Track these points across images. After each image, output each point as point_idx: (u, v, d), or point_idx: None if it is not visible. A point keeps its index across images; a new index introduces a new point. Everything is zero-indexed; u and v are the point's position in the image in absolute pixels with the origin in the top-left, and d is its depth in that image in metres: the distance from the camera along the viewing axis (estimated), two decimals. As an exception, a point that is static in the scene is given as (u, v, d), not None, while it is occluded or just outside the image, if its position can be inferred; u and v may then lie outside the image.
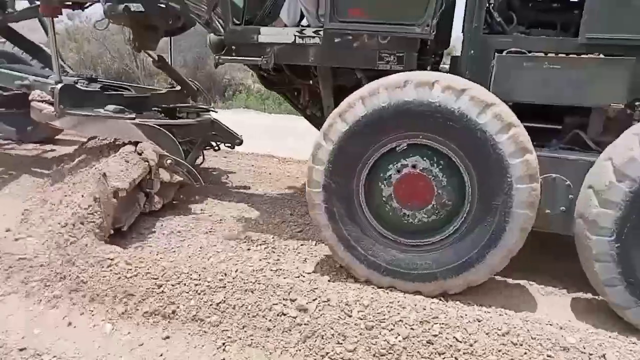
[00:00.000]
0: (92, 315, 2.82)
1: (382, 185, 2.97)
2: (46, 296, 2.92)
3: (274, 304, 2.74)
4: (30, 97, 4.51)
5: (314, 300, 2.76)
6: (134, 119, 4.20)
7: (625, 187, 2.48)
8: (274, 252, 3.57)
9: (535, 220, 2.73)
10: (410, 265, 2.94)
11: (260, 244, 3.69)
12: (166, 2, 4.09)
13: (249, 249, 3.61)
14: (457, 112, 2.66)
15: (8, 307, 2.85)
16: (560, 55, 2.85)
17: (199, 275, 2.94)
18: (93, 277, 2.97)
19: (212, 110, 5.31)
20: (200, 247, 3.59)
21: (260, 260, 3.40)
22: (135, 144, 4.01)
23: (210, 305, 2.77)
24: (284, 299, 2.77)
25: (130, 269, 3.00)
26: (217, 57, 3.68)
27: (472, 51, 3.07)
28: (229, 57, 3.64)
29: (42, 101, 4.41)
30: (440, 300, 2.91)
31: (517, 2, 3.24)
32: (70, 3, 4.58)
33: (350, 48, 3.23)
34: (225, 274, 2.94)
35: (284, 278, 3.03)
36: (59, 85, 4.26)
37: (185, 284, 2.88)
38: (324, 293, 2.80)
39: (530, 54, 2.89)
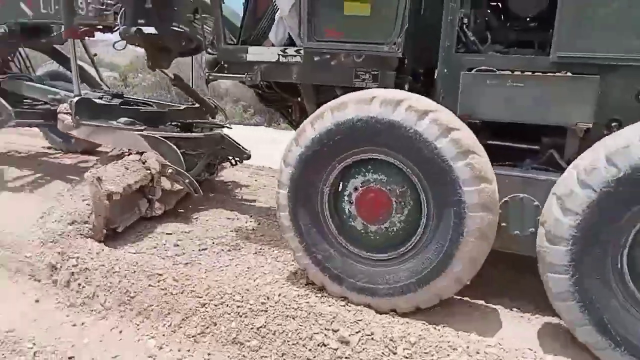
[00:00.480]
0: (138, 329, 2.86)
1: (344, 204, 3.03)
2: (96, 308, 3.00)
3: (314, 333, 2.64)
4: (57, 110, 4.88)
5: (357, 332, 2.62)
6: (142, 130, 4.47)
7: (586, 196, 2.35)
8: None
9: (504, 241, 2.71)
10: (381, 280, 2.90)
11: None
12: (176, 25, 4.33)
13: (295, 272, 3.54)
14: (397, 123, 2.66)
15: (61, 316, 2.96)
16: (525, 73, 2.78)
17: (242, 297, 2.90)
18: (141, 292, 3.03)
19: (227, 127, 5.52)
20: (248, 268, 3.56)
21: (307, 284, 3.31)
22: (141, 153, 4.24)
23: (251, 329, 2.71)
24: (325, 329, 2.66)
25: (177, 286, 3.02)
26: (207, 73, 3.93)
27: (446, 70, 3.04)
28: (219, 74, 3.89)
29: (66, 113, 4.75)
30: (498, 344, 2.67)
31: (494, 22, 3.23)
32: (88, 28, 4.89)
33: (329, 66, 3.37)
34: (268, 298, 2.88)
35: (329, 306, 2.92)
36: (76, 99, 4.60)
37: (227, 305, 2.86)
38: (368, 326, 2.66)
39: (494, 72, 2.84)
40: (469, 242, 2.62)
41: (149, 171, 4.10)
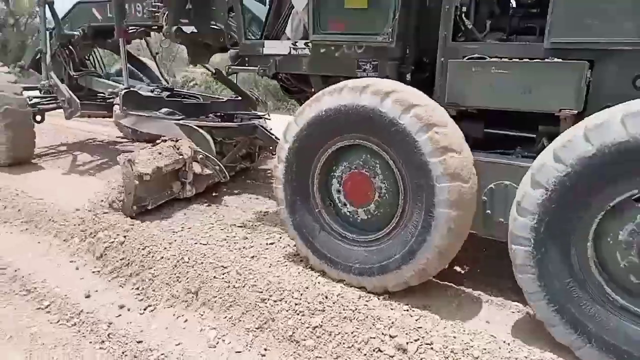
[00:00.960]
0: (202, 319, 2.95)
1: (333, 184, 3.25)
2: (165, 295, 3.15)
3: (371, 338, 2.55)
4: (114, 102, 5.47)
5: (415, 340, 2.49)
6: (178, 120, 4.94)
7: (557, 170, 2.32)
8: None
9: (490, 228, 2.82)
10: (356, 259, 3.07)
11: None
12: (214, 23, 4.65)
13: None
14: (364, 108, 2.82)
15: (134, 302, 3.15)
16: (513, 60, 2.79)
17: (301, 294, 2.88)
18: (207, 283, 3.12)
19: (267, 118, 5.70)
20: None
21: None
22: (176, 140, 4.62)
23: (307, 327, 2.68)
24: (382, 334, 2.56)
25: (240, 279, 3.08)
26: (227, 66, 4.48)
27: (442, 58, 3.09)
28: (238, 67, 4.32)
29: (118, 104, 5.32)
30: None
31: (495, 10, 3.23)
32: (142, 29, 5.65)
33: (333, 57, 3.58)
34: (326, 297, 2.84)
35: (391, 309, 2.81)
36: (123, 91, 5.15)
37: (286, 302, 2.85)
38: (428, 334, 2.52)
39: (478, 60, 2.90)
40: (442, 212, 2.67)
41: (181, 156, 4.46)
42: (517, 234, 2.46)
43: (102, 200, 4.24)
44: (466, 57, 2.96)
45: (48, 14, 6.14)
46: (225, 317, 2.91)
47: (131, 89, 5.37)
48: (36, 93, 6.43)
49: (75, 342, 2.81)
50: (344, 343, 2.57)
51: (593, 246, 2.38)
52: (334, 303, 2.80)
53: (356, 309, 2.73)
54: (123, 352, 2.71)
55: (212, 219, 4.32)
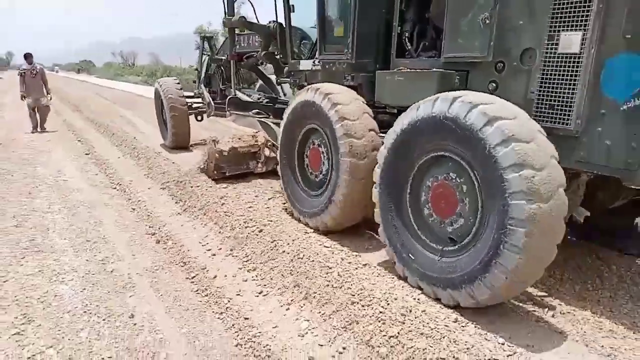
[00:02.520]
0: (300, 310, 3.25)
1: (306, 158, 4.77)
2: (278, 284, 3.55)
3: (441, 358, 2.48)
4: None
5: (485, 370, 2.34)
6: (260, 118, 6.78)
7: (394, 135, 3.43)
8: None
9: None
10: (312, 206, 4.47)
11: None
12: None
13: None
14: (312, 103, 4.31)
15: (252, 285, 3.64)
16: (405, 70, 4.01)
17: (388, 304, 2.95)
18: (311, 279, 3.42)
19: None
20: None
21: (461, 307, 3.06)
22: (257, 131, 6.74)
23: (384, 335, 2.75)
24: (454, 357, 2.47)
25: (339, 281, 3.30)
26: (277, 78, 6.75)
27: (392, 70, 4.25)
28: (284, 79, 6.10)
29: None
30: None
31: (425, 35, 4.28)
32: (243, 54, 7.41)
33: (332, 71, 4.88)
34: (410, 311, 2.85)
35: (469, 334, 2.67)
36: (228, 98, 7.08)
37: (372, 308, 2.96)
38: (501, 367, 2.34)
39: (388, 71, 4.22)
40: (344, 179, 3.97)
41: (257, 143, 6.49)
42: (374, 179, 3.62)
43: (200, 168, 6.42)
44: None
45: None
46: (319, 312, 3.15)
47: (234, 96, 7.28)
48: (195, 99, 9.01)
49: (202, 309, 3.41)
50: (414, 357, 2.56)
51: (409, 188, 3.46)
52: (415, 317, 2.80)
53: (435, 328, 2.69)
54: (233, 325, 3.19)
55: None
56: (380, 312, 2.91)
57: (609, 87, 2.91)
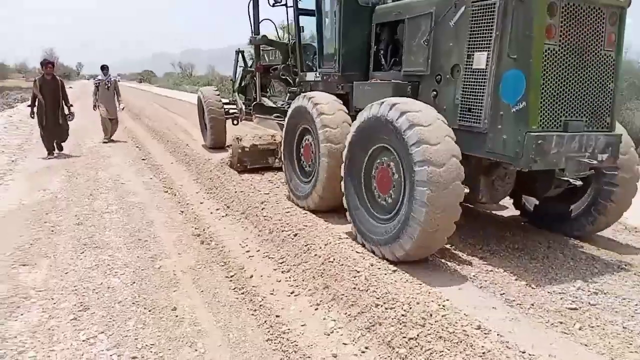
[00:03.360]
0: (328, 310, 3.42)
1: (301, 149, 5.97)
2: (309, 285, 3.74)
3: (457, 361, 2.57)
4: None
5: (499, 375, 2.41)
6: (279, 121, 7.74)
7: (354, 128, 4.61)
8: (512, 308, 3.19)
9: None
10: (304, 190, 5.66)
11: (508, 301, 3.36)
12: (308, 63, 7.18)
13: (495, 308, 3.36)
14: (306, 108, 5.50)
15: (285, 286, 3.84)
16: (372, 81, 5.41)
17: (410, 307, 3.07)
18: (340, 282, 3.59)
19: None
20: (431, 282, 3.61)
21: (487, 319, 3.13)
22: (277, 132, 8.01)
23: (404, 337, 2.86)
24: (469, 360, 2.55)
25: (365, 284, 3.44)
26: (288, 89, 7.97)
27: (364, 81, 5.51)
28: (293, 88, 7.40)
29: None
30: None
31: (397, 51, 5.37)
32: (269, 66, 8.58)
33: (328, 82, 6.15)
34: (431, 315, 2.95)
35: (490, 342, 2.74)
36: (254, 103, 8.49)
37: (394, 311, 3.08)
38: (515, 373, 2.40)
39: (361, 81, 5.51)
40: (323, 161, 5.10)
41: (275, 141, 7.75)
42: (343, 158, 4.66)
43: (222, 161, 8.03)
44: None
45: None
46: (345, 313, 3.31)
47: (259, 102, 8.49)
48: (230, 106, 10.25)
49: (238, 306, 3.65)
50: (431, 359, 2.66)
51: (364, 169, 4.50)
52: (435, 321, 2.90)
53: (454, 332, 2.78)
54: (265, 321, 3.39)
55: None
56: (402, 315, 3.02)
57: (504, 95, 3.85)
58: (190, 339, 3.15)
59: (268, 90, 9.48)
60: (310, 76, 6.63)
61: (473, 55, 4.10)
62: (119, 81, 12.03)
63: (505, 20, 3.82)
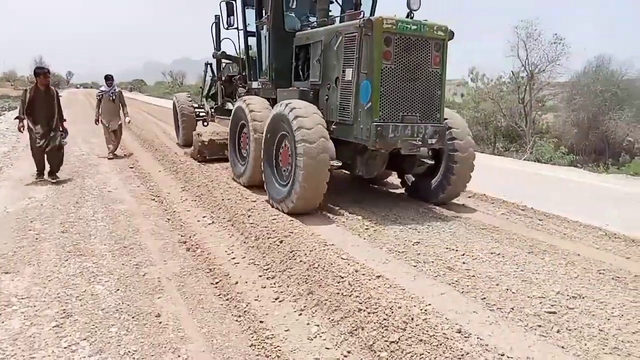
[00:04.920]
0: (312, 315, 3.45)
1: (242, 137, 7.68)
2: (294, 291, 3.76)
3: (436, 364, 2.61)
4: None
5: (477, 376, 2.45)
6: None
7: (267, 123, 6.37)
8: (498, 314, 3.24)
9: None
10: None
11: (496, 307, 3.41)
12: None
13: (475, 312, 3.41)
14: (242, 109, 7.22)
15: (270, 292, 3.86)
16: (288, 89, 7.10)
17: (392, 311, 3.11)
18: (324, 287, 3.62)
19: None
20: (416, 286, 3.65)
21: (467, 322, 3.17)
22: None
23: (385, 341, 2.90)
24: (448, 363, 2.59)
25: (348, 289, 3.47)
26: (240, 95, 9.15)
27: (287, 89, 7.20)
28: (245, 96, 8.17)
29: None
30: None
31: (308, 68, 7.03)
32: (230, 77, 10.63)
33: (265, 89, 7.96)
34: (412, 319, 2.99)
35: (465, 340, 2.78)
36: (215, 106, 10.99)
37: (377, 315, 3.12)
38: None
39: (281, 88, 7.27)
40: (252, 145, 6.77)
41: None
42: (261, 157, 6.35)
43: (185, 153, 9.82)
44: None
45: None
46: (329, 318, 3.34)
47: (219, 105, 10.61)
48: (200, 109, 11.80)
49: (223, 312, 3.66)
50: (411, 362, 2.70)
51: (277, 147, 6.19)
52: (416, 325, 2.94)
53: (434, 334, 2.82)
54: (249, 327, 3.40)
55: (361, 239, 4.80)
56: (384, 319, 3.06)
57: (361, 98, 5.57)
58: (174, 345, 3.15)
59: (234, 96, 10.34)
60: (255, 84, 8.37)
61: (345, 70, 5.86)
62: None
63: (361, 48, 5.55)
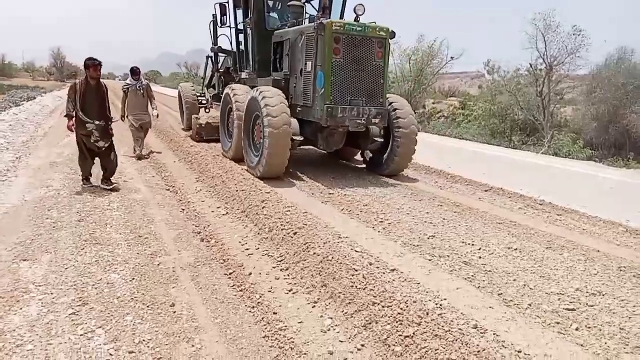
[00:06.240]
0: (325, 308, 3.42)
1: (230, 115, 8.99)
2: (307, 283, 3.74)
3: (452, 359, 2.57)
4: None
5: (493, 373, 2.41)
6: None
7: (245, 105, 7.92)
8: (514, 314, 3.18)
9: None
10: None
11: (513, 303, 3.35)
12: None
13: (492, 307, 3.35)
14: (228, 96, 8.75)
15: (284, 283, 3.85)
16: (265, 77, 8.60)
17: (407, 306, 3.07)
18: (338, 280, 3.59)
19: None
20: (452, 290, 3.61)
21: (483, 318, 3.12)
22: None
23: (399, 335, 2.87)
24: (464, 359, 2.55)
25: (362, 282, 3.44)
26: (228, 85, 9.68)
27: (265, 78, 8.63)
28: (235, 85, 9.22)
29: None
30: None
31: (282, 61, 8.36)
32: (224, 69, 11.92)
33: (250, 79, 9.43)
34: (427, 313, 2.95)
35: (486, 341, 2.73)
36: (212, 94, 12.33)
37: (391, 309, 3.09)
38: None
39: (262, 77, 8.78)
40: (235, 125, 8.26)
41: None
42: (241, 132, 7.96)
43: (186, 135, 11.30)
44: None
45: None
46: (342, 311, 3.32)
47: (217, 93, 11.71)
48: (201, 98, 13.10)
49: (236, 303, 3.66)
50: (425, 357, 2.66)
51: (252, 125, 7.70)
52: (431, 320, 2.90)
53: (449, 330, 2.78)
54: (262, 318, 3.40)
55: (375, 232, 4.76)
56: (399, 314, 3.03)
57: (317, 84, 6.92)
58: (188, 335, 3.16)
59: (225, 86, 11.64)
60: (244, 74, 9.77)
61: (307, 63, 7.26)
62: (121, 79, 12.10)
63: (317, 45, 6.91)
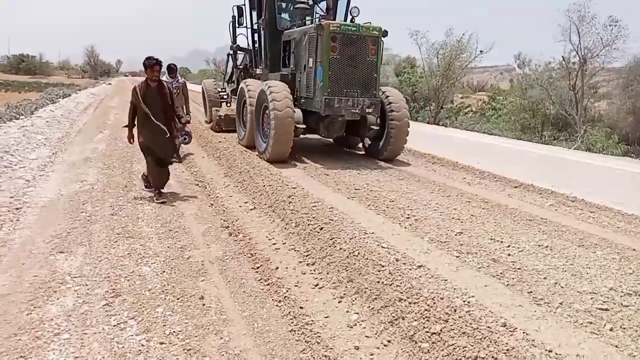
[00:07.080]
0: (352, 303, 3.44)
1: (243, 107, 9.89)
2: (333, 278, 3.76)
3: (479, 357, 2.55)
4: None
5: (522, 372, 2.38)
6: None
7: (255, 96, 8.99)
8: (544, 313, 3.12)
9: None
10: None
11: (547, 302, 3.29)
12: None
13: (521, 306, 3.29)
14: (243, 89, 9.88)
15: (309, 278, 3.87)
16: (275, 73, 9.75)
17: (434, 302, 3.05)
18: (364, 275, 3.59)
19: None
20: (481, 287, 3.56)
21: (513, 316, 3.07)
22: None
23: (427, 332, 2.85)
24: (493, 357, 2.52)
25: (389, 279, 3.44)
26: (243, 80, 11.27)
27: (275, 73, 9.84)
28: (251, 79, 10.51)
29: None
30: None
31: (289, 59, 9.45)
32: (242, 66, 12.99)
33: (264, 75, 10.23)
34: (455, 310, 2.92)
35: (515, 340, 2.69)
36: (232, 89, 12.77)
37: (418, 306, 3.07)
38: (539, 371, 2.36)
39: (268, 72, 10.03)
40: (248, 116, 9.17)
41: None
42: (253, 120, 8.95)
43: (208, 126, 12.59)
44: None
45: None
46: (369, 307, 3.32)
47: (235, 88, 11.96)
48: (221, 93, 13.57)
49: (263, 296, 3.71)
50: (453, 354, 2.64)
51: (261, 115, 8.65)
52: (459, 317, 2.87)
53: (477, 328, 2.75)
54: (289, 312, 3.43)
55: (402, 228, 4.74)
56: (426, 310, 3.01)
57: (317, 78, 7.90)
58: (216, 327, 3.22)
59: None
60: (258, 70, 10.74)
61: (309, 60, 8.18)
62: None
63: (317, 43, 7.87)
